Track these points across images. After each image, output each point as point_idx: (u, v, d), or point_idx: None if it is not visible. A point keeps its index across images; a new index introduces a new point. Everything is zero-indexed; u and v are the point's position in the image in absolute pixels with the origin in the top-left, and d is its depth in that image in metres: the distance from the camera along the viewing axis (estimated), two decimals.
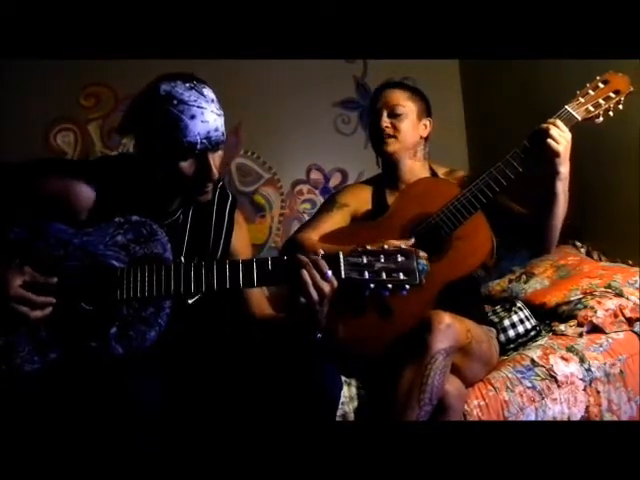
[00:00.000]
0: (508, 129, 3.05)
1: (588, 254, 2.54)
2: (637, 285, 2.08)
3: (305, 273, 1.24)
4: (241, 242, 1.53)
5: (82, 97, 2.92)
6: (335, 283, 1.26)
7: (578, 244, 2.58)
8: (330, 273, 1.25)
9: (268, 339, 1.47)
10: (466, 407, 1.67)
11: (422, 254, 1.29)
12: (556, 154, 1.61)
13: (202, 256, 1.44)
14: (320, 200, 3.22)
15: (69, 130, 2.92)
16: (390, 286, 1.24)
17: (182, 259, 1.38)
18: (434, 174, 1.95)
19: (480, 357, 1.70)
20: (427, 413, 1.52)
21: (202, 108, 1.28)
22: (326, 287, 1.25)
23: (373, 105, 1.93)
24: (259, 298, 1.52)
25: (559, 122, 1.62)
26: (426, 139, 1.96)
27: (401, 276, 1.24)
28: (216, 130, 1.30)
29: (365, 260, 1.26)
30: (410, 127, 1.89)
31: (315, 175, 3.26)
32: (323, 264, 1.25)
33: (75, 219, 1.33)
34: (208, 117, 1.28)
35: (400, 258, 1.25)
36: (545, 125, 1.63)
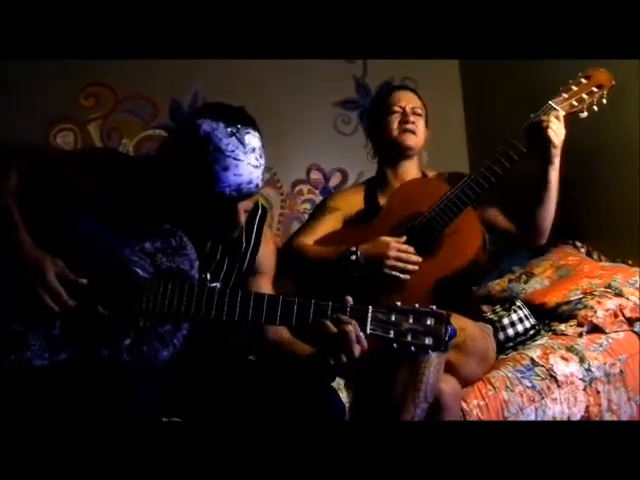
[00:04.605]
0: (508, 129, 3.05)
1: (588, 254, 2.54)
2: (637, 285, 2.09)
3: (351, 330, 1.22)
4: (266, 259, 1.51)
5: (82, 97, 2.91)
6: (365, 345, 1.24)
7: (578, 244, 2.58)
8: (362, 336, 1.23)
9: (274, 361, 1.46)
10: (465, 407, 1.68)
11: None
12: (554, 145, 1.68)
13: (231, 267, 1.43)
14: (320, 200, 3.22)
15: (69, 130, 2.91)
16: (413, 349, 1.23)
17: (208, 275, 1.36)
18: (424, 176, 1.99)
19: (475, 354, 1.71)
20: (423, 411, 1.53)
21: (238, 160, 1.22)
22: (357, 350, 1.23)
23: (392, 102, 1.95)
24: None
25: (559, 115, 1.68)
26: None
27: (426, 341, 1.22)
28: (249, 183, 1.25)
29: (393, 318, 1.24)
30: (424, 129, 1.96)
31: (315, 175, 3.25)
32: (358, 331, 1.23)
33: (112, 214, 1.29)
34: (242, 170, 1.23)
35: (429, 321, 1.22)
36: (544, 119, 1.69)
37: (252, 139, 1.26)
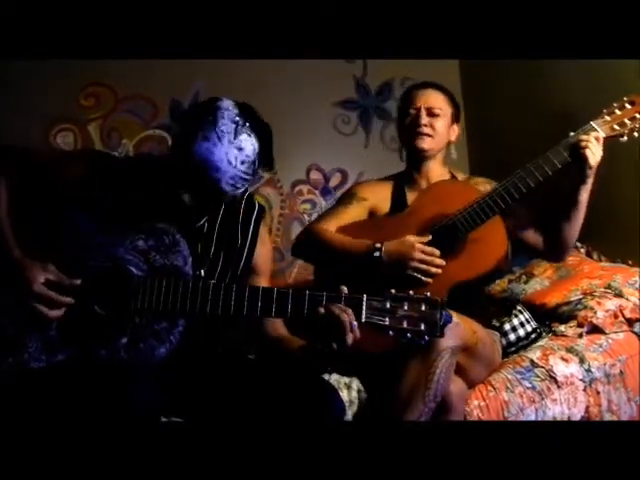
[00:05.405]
0: (508, 129, 3.06)
1: (588, 254, 2.53)
2: (637, 285, 2.08)
3: (345, 319, 1.22)
4: (262, 259, 1.51)
5: (82, 97, 2.91)
6: (358, 334, 1.25)
7: (578, 244, 2.57)
8: (356, 325, 1.24)
9: (274, 360, 1.46)
10: (466, 407, 1.67)
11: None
12: (590, 166, 1.68)
13: (225, 268, 1.43)
14: (320, 200, 3.22)
15: (69, 130, 2.91)
16: (409, 335, 1.24)
17: (202, 272, 1.36)
18: (453, 177, 1.98)
19: (484, 359, 1.72)
20: (431, 410, 1.53)
21: (220, 142, 1.21)
22: (350, 338, 1.24)
23: (409, 103, 1.94)
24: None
25: (599, 137, 1.68)
26: (449, 144, 1.98)
27: (422, 327, 1.23)
28: (215, 171, 1.23)
29: (388, 305, 1.25)
30: (444, 128, 1.92)
31: (315, 175, 3.25)
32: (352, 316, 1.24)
33: (105, 214, 1.30)
34: (217, 153, 1.21)
35: (424, 307, 1.24)
36: (583, 138, 1.68)
37: (246, 142, 1.25)
